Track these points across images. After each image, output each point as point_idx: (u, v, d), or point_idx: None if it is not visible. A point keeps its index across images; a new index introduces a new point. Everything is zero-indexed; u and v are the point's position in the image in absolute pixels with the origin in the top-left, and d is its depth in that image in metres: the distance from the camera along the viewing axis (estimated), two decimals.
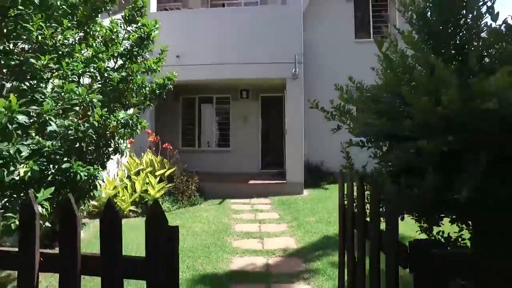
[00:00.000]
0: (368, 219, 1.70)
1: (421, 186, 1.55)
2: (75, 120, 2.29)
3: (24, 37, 2.48)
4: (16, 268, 1.31)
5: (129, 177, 7.00)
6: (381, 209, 1.69)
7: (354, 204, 2.01)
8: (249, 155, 10.28)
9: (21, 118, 1.75)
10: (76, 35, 2.86)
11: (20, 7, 2.38)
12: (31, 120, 2.09)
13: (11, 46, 2.57)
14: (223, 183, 8.32)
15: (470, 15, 1.72)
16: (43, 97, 2.26)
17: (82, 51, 2.77)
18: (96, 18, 2.83)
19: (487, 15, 1.75)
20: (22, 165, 1.93)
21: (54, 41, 2.19)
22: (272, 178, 8.93)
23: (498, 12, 1.50)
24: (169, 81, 3.29)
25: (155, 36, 3.08)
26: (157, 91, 3.22)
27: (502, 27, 1.53)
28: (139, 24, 3.07)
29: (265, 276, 3.59)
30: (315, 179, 8.93)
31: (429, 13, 1.96)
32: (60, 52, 2.39)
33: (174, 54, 7.62)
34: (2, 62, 2.44)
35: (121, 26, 3.11)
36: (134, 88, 2.93)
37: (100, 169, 2.28)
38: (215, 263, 3.93)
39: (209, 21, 8.81)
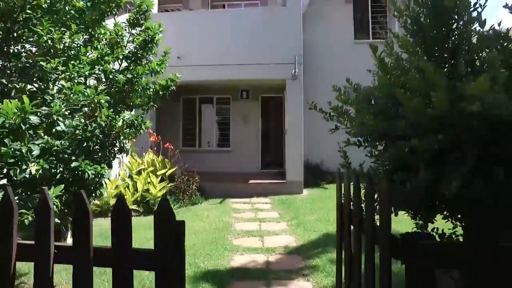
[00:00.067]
0: (364, 214, 1.79)
1: (414, 183, 1.65)
2: (82, 120, 2.38)
3: (31, 40, 2.58)
4: (32, 259, 1.39)
5: (130, 176, 7.09)
6: (376, 206, 1.78)
7: (351, 202, 2.10)
8: (249, 155, 10.37)
9: (33, 119, 1.83)
10: (82, 37, 2.94)
11: (28, 11, 2.47)
12: (40, 121, 2.17)
13: (18, 48, 2.67)
14: (223, 183, 8.40)
15: (461, 22, 1.80)
16: (51, 98, 2.35)
17: (88, 53, 2.86)
18: (102, 22, 2.92)
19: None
20: (33, 163, 2.01)
21: (63, 45, 2.27)
22: (272, 177, 9.01)
23: (485, 19, 1.59)
24: (172, 82, 3.38)
25: (159, 39, 3.18)
26: (160, 92, 3.31)
27: (490, 32, 1.62)
28: (143, 27, 3.16)
29: (266, 272, 3.67)
30: (314, 178, 9.01)
31: (422, 18, 2.05)
32: (67, 55, 2.47)
33: (175, 54, 7.67)
34: (12, 64, 2.53)
35: (125, 29, 3.20)
36: (139, 89, 3.02)
37: (107, 168, 2.36)
38: (216, 260, 4.02)
39: (209, 22, 8.89)
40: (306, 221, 5.67)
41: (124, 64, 3.11)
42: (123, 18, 3.51)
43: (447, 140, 1.51)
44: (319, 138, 9.32)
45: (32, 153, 1.94)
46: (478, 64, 1.84)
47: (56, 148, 2.12)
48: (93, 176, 2.21)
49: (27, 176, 1.96)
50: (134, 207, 6.35)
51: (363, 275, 1.70)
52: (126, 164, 7.44)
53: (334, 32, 10.34)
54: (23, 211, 1.82)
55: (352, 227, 1.99)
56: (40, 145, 2.08)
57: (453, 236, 2.20)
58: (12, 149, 1.85)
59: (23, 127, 1.76)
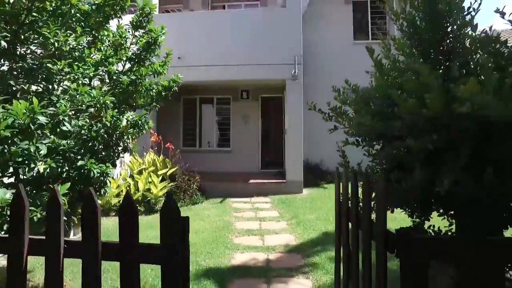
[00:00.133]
0: (361, 212, 1.85)
1: (409, 182, 1.71)
2: (87, 120, 2.44)
3: (37, 42, 2.64)
4: (43, 254, 1.45)
5: (132, 176, 7.15)
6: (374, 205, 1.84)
7: (349, 201, 2.16)
8: (249, 155, 10.43)
9: (42, 119, 1.90)
10: (85, 39, 3.00)
11: (34, 14, 2.53)
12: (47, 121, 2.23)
13: (24, 50, 2.73)
14: (223, 182, 8.47)
15: (456, 25, 1.86)
16: (56, 99, 2.41)
17: (92, 55, 2.92)
18: (107, 25, 2.98)
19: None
20: (41, 162, 2.08)
21: (69, 47, 2.34)
22: (272, 177, 9.07)
23: (477, 24, 1.65)
24: (174, 83, 3.45)
25: (162, 41, 3.24)
26: (163, 93, 3.38)
27: (483, 35, 1.68)
28: (146, 29, 3.23)
29: (266, 270, 3.73)
30: (314, 178, 9.08)
31: (418, 21, 2.11)
32: (72, 57, 2.54)
33: (176, 55, 7.73)
34: (18, 66, 2.59)
35: (129, 31, 3.26)
36: (142, 90, 3.09)
37: (111, 167, 2.42)
38: (217, 258, 4.08)
39: (210, 23, 8.96)
40: (306, 220, 5.73)
41: (128, 65, 3.17)
42: (125, 20, 3.57)
43: (442, 140, 1.57)
44: (318, 138, 9.38)
45: (40, 152, 2.00)
46: (472, 67, 1.91)
47: (62, 147, 2.18)
48: (98, 175, 2.27)
49: (35, 174, 2.02)
50: None
51: (360, 273, 1.77)
52: (127, 164, 7.50)
53: (334, 33, 10.40)
54: (32, 208, 1.88)
55: (350, 224, 2.06)
56: (47, 144, 2.14)
57: (449, 233, 2.27)
58: (20, 148, 1.91)
59: (32, 127, 1.82)
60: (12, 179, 2.35)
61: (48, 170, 1.99)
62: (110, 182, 2.60)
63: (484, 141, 1.42)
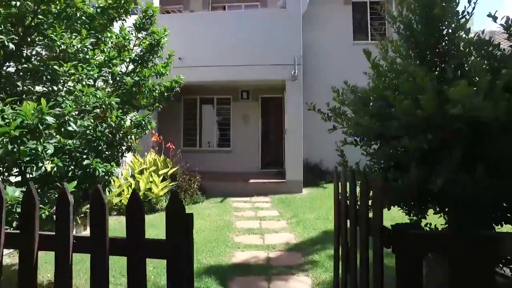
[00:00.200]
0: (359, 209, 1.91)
1: (405, 180, 1.77)
2: (92, 120, 2.50)
3: (42, 44, 2.70)
4: (53, 249, 1.51)
5: (133, 176, 7.20)
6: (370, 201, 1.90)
7: (347, 199, 2.22)
8: (249, 155, 10.49)
9: (49, 119, 1.96)
10: (89, 41, 3.06)
11: (40, 16, 2.59)
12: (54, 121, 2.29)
13: (30, 51, 2.79)
14: (224, 182, 8.52)
15: (450, 29, 1.92)
16: (62, 100, 2.47)
17: (95, 56, 2.98)
18: (111, 27, 3.05)
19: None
20: (48, 161, 2.14)
21: (74, 49, 2.40)
22: (272, 177, 9.13)
23: (469, 28, 1.71)
24: (176, 84, 3.51)
25: (165, 43, 3.30)
26: (165, 94, 3.44)
27: (476, 38, 1.74)
28: (149, 31, 3.29)
29: (266, 268, 3.79)
30: (314, 178, 9.13)
31: (414, 24, 2.17)
32: (78, 58, 2.60)
33: (177, 56, 7.81)
34: (24, 67, 2.66)
35: (132, 33, 3.33)
36: (146, 91, 3.15)
37: (115, 166, 2.48)
38: (218, 256, 4.13)
39: (210, 24, 9.02)
40: (306, 219, 5.78)
41: (131, 66, 3.24)
42: (128, 21, 3.63)
43: (436, 139, 1.63)
44: (318, 138, 9.43)
45: (47, 152, 2.06)
46: (467, 69, 1.97)
47: (68, 147, 2.24)
48: (103, 173, 2.33)
49: (42, 173, 2.08)
50: None
51: (358, 269, 1.83)
52: (128, 164, 7.56)
53: (333, 33, 10.46)
54: (40, 206, 1.94)
55: (348, 221, 2.12)
56: (53, 144, 2.20)
57: (445, 230, 2.33)
58: (28, 148, 1.97)
59: (41, 127, 1.88)
60: (18, 178, 2.42)
61: (55, 169, 2.05)
62: (114, 181, 2.66)
63: (476, 141, 1.48)
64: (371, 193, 1.69)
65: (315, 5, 10.27)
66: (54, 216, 2.10)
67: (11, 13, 2.48)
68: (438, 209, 2.09)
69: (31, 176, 2.13)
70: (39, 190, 2.19)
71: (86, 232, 4.13)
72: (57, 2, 2.58)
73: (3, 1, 2.37)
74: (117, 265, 3.52)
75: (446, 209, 1.91)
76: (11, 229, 1.97)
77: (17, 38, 2.34)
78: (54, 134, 2.37)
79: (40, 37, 2.62)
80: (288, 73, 8.33)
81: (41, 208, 1.92)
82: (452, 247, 1.25)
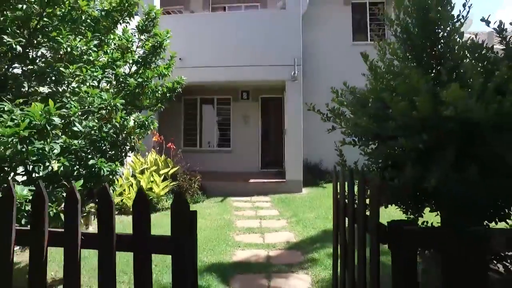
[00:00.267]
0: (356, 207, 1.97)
1: (402, 179, 1.83)
2: (96, 121, 2.56)
3: (47, 46, 2.76)
4: (62, 245, 1.57)
5: (134, 175, 7.26)
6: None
7: (345, 197, 2.28)
8: (249, 155, 10.55)
9: (57, 120, 2.01)
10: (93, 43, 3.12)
11: (45, 19, 2.65)
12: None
13: (35, 53, 2.85)
14: (224, 182, 8.58)
15: (446, 32, 1.98)
16: (67, 101, 2.52)
17: (99, 58, 3.04)
18: (115, 30, 3.11)
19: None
20: (54, 161, 2.19)
21: (80, 51, 2.46)
22: (271, 177, 9.19)
23: (463, 32, 1.77)
24: (178, 85, 3.58)
25: (167, 45, 3.37)
26: (167, 94, 3.50)
27: (469, 42, 1.80)
28: (152, 33, 3.36)
29: (267, 266, 3.85)
30: (313, 178, 9.20)
31: (411, 27, 2.23)
32: (82, 60, 2.66)
33: (177, 56, 7.88)
34: (30, 68, 2.71)
35: (135, 35, 3.39)
36: (149, 92, 3.21)
37: (119, 165, 2.54)
38: (219, 255, 4.19)
39: (210, 24, 9.08)
40: (305, 219, 5.84)
41: (134, 68, 3.30)
42: (131, 24, 3.69)
43: (432, 140, 1.69)
44: (318, 138, 9.48)
45: (53, 151, 2.12)
46: (462, 71, 2.03)
47: (74, 147, 2.30)
48: (108, 173, 2.39)
49: (49, 172, 2.14)
50: None
51: (356, 267, 1.89)
52: (129, 164, 7.61)
53: (333, 34, 10.52)
54: (48, 204, 1.99)
55: (346, 219, 2.18)
56: (59, 144, 2.26)
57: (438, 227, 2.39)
58: (36, 148, 2.03)
59: (48, 127, 1.94)
60: (24, 178, 2.47)
61: (62, 168, 2.11)
62: (117, 180, 2.71)
63: (469, 142, 1.54)
64: (368, 192, 1.75)
65: (314, 5, 10.33)
66: (61, 214, 2.17)
67: (17, 16, 2.54)
68: (434, 207, 2.15)
69: (37, 175, 2.18)
70: (46, 189, 2.24)
71: (89, 231, 4.19)
72: (62, 5, 2.64)
73: (10, 4, 2.42)
74: (118, 262, 3.58)
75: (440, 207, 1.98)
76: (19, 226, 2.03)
77: (24, 40, 2.40)
78: (60, 134, 2.43)
79: (45, 39, 2.68)
80: (288, 73, 8.39)
81: (48, 206, 1.98)
82: (445, 243, 1.31)
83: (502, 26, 1.71)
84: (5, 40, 2.29)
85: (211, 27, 8.94)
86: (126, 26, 3.21)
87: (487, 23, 1.73)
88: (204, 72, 8.61)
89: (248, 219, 6.02)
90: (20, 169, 2.42)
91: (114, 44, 3.45)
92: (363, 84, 2.61)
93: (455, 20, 2.03)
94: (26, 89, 2.62)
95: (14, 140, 1.80)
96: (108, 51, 3.29)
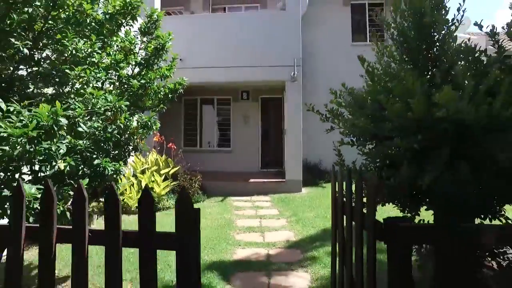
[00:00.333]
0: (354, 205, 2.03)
1: (397, 178, 1.89)
2: (101, 122, 2.62)
3: (52, 48, 2.82)
4: (70, 242, 1.63)
5: (135, 175, 7.31)
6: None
7: (343, 196, 2.34)
8: (249, 155, 10.61)
9: (63, 121, 2.08)
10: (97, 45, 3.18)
11: (50, 22, 2.71)
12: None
13: (41, 55, 2.90)
14: (224, 182, 8.64)
15: (441, 36, 2.05)
16: (72, 102, 2.58)
17: (102, 59, 3.10)
18: (118, 32, 3.17)
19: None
20: (60, 160, 2.25)
21: (84, 54, 2.52)
22: (271, 176, 9.25)
23: (456, 35, 1.84)
24: (180, 85, 3.64)
25: (170, 47, 3.43)
26: (169, 95, 3.57)
27: (463, 45, 1.86)
28: (154, 35, 3.42)
29: (267, 264, 3.91)
30: (313, 177, 9.25)
31: (408, 30, 2.29)
32: (87, 62, 2.72)
33: (178, 57, 7.95)
34: (35, 70, 2.77)
35: (137, 37, 3.45)
36: (151, 93, 3.27)
37: (123, 165, 2.60)
38: (220, 253, 4.25)
39: (210, 25, 9.14)
40: (305, 218, 5.90)
41: (136, 69, 3.36)
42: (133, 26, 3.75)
43: (426, 140, 1.75)
44: (317, 138, 9.53)
45: (60, 151, 2.18)
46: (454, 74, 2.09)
47: (79, 147, 2.36)
48: (112, 172, 2.45)
49: (56, 171, 2.20)
50: None
51: (354, 264, 1.95)
52: (130, 163, 7.66)
53: (332, 35, 10.58)
54: None
55: (345, 217, 2.24)
56: (65, 144, 2.32)
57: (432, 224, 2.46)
58: (42, 148, 2.09)
59: (55, 128, 2.00)
60: (29, 177, 2.53)
61: (68, 167, 2.17)
62: (121, 179, 2.78)
63: (461, 142, 1.60)
64: (365, 191, 1.81)
65: (314, 6, 10.39)
66: (67, 212, 2.23)
67: (23, 19, 2.60)
68: (429, 205, 2.22)
69: (43, 174, 2.24)
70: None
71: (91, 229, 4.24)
72: (67, 8, 2.70)
73: (16, 7, 2.48)
74: (122, 261, 3.64)
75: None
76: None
77: (29, 43, 2.46)
78: (65, 134, 2.49)
79: (50, 42, 2.74)
80: (287, 74, 8.45)
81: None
82: (438, 239, 1.37)
83: (495, 30, 1.77)
84: (12, 43, 2.35)
85: (211, 28, 9.00)
86: (129, 28, 3.27)
87: (480, 27, 1.79)
88: (204, 72, 8.67)
89: (248, 218, 6.08)
90: (25, 169, 2.48)
91: (117, 46, 3.51)
92: (362, 85, 2.67)
93: (449, 24, 2.10)
94: (32, 90, 2.68)
95: (23, 140, 1.86)
96: (111, 53, 3.34)
